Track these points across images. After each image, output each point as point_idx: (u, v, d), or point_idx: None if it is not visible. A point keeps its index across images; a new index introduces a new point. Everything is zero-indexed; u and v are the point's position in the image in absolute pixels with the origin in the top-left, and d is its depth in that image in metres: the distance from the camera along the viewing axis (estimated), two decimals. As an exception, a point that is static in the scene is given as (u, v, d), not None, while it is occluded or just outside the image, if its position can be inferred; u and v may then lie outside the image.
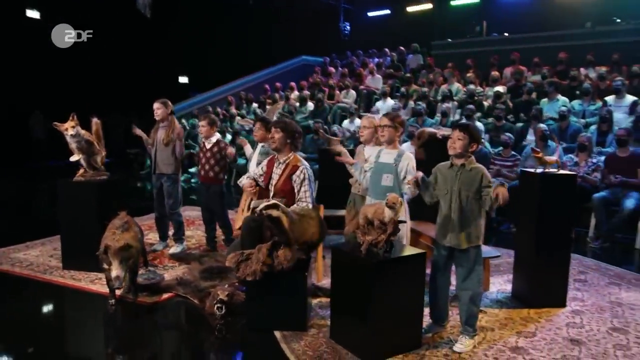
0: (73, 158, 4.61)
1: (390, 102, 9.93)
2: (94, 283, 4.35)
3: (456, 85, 9.89)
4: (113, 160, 7.27)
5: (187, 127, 11.41)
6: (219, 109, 12.09)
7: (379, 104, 10.02)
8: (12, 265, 4.82)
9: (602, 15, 10.45)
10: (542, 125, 6.72)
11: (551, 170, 3.92)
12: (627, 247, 5.65)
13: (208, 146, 5.13)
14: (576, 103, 7.88)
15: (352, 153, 4.69)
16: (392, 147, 3.69)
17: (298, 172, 3.90)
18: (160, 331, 3.80)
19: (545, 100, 8.03)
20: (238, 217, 4.58)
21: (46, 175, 11.20)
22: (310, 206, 3.87)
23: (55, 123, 4.46)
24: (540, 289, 3.90)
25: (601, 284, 4.44)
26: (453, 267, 3.38)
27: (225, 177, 5.50)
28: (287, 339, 3.36)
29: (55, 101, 13.42)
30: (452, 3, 14.11)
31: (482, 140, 6.76)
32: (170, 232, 5.45)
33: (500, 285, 4.38)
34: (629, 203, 5.53)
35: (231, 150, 5.06)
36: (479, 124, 7.73)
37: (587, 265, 4.93)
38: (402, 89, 10.17)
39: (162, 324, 3.86)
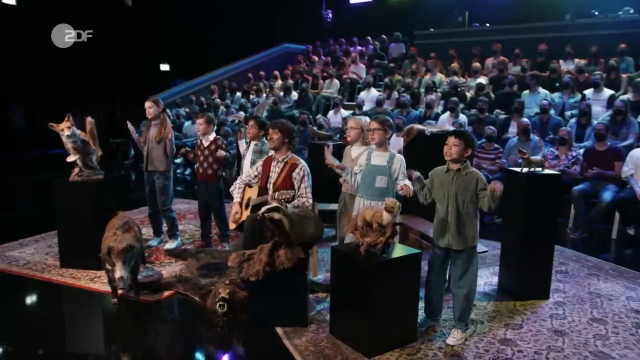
0: (70, 159, 4.64)
1: (374, 92, 9.94)
2: (93, 282, 4.42)
3: (439, 76, 10.01)
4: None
5: (172, 117, 11.35)
6: (202, 99, 12.04)
7: (362, 94, 10.02)
8: (9, 264, 4.85)
9: (581, 7, 10.66)
10: (525, 120, 6.93)
11: (537, 169, 4.11)
12: (604, 238, 5.95)
13: (205, 144, 5.18)
14: (556, 96, 8.10)
15: (340, 149, 4.84)
16: (382, 150, 3.88)
17: (298, 170, 4.07)
18: (163, 329, 3.89)
19: (526, 92, 8.23)
20: (234, 209, 4.47)
21: (27, 167, 11.06)
22: (310, 201, 4.06)
23: (51, 124, 4.48)
24: (526, 281, 4.12)
25: (581, 275, 4.70)
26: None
27: (224, 174, 5.57)
28: (288, 335, 3.51)
29: (34, 90, 13.22)
30: (434, -8, 14.14)
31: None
32: (165, 228, 5.55)
33: (487, 277, 4.60)
34: (607, 195, 5.79)
35: (221, 152, 5.10)
36: (463, 117, 7.92)
37: (568, 257, 5.19)
38: (386, 80, 10.25)
39: (165, 322, 3.96)
